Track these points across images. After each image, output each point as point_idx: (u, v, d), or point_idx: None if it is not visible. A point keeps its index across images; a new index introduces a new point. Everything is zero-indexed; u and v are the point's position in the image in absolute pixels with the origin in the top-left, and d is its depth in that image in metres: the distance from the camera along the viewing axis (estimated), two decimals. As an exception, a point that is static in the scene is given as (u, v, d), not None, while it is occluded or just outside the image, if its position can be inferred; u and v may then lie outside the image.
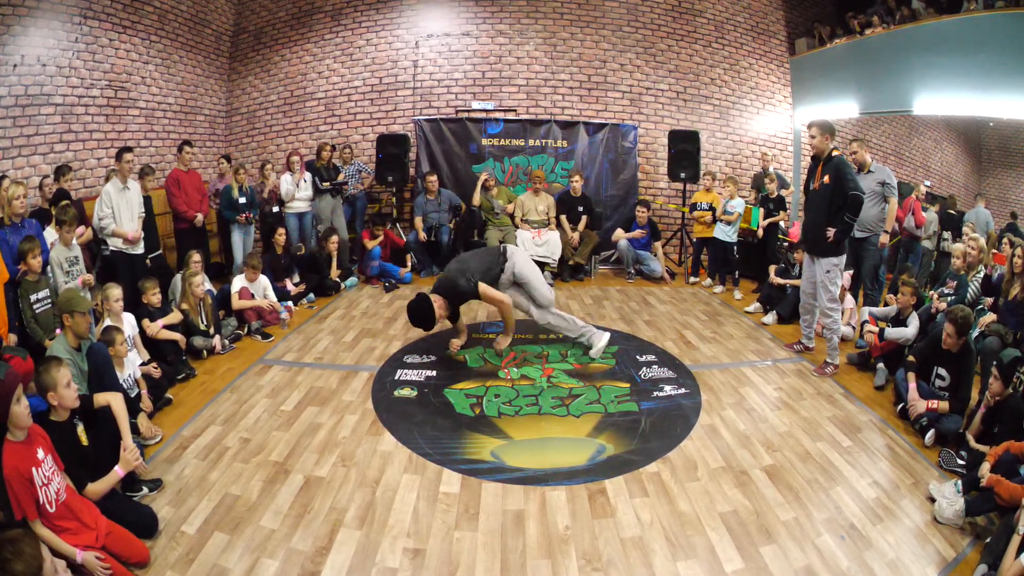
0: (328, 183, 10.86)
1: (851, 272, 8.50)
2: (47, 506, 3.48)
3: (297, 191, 10.51)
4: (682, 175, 12.04)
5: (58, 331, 5.35)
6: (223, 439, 5.32)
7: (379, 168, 11.81)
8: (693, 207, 11.19)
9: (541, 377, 6.69)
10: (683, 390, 6.47)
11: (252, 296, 8.27)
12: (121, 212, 7.92)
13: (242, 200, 9.81)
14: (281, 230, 9.72)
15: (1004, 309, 6.77)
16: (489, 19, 13.18)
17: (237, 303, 8.10)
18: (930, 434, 5.46)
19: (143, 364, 6.08)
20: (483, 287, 6.71)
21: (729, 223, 10.49)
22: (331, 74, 13.41)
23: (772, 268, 9.73)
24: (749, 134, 14.35)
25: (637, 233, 11.44)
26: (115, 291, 6.08)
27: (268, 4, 13.52)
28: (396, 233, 11.67)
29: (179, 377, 6.52)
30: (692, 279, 11.42)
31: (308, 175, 10.72)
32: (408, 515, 4.30)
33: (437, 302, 6.61)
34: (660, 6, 13.58)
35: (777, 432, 5.65)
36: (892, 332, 6.87)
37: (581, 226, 11.35)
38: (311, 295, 9.67)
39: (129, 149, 8.10)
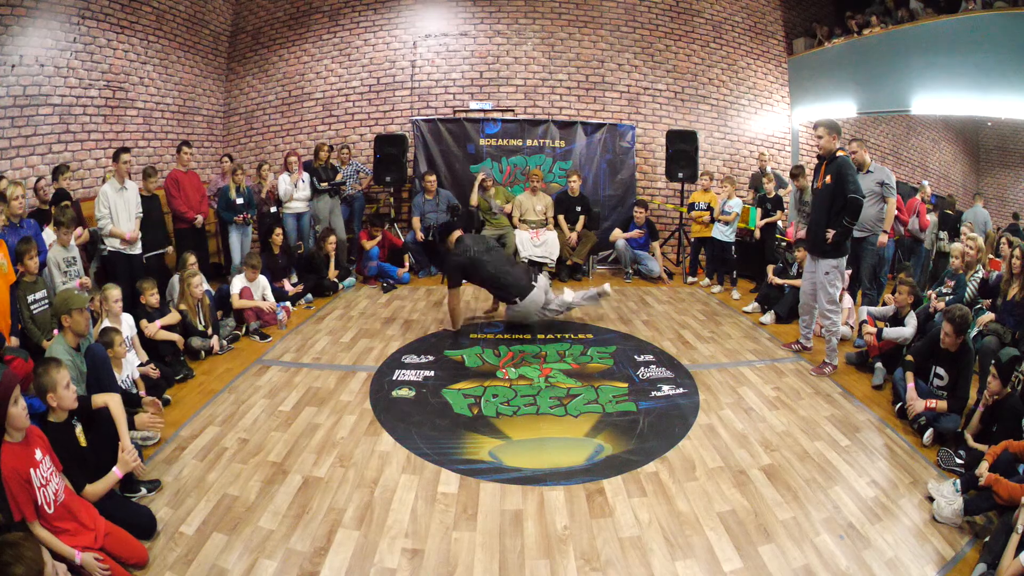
0: (326, 183, 10.85)
1: (849, 272, 8.51)
2: (46, 507, 3.48)
3: (295, 191, 10.50)
4: (680, 175, 12.08)
5: (56, 332, 5.35)
6: (221, 440, 5.31)
7: (377, 168, 11.80)
8: (691, 207, 11.20)
9: (539, 377, 6.68)
10: (681, 390, 6.47)
11: (252, 294, 8.26)
12: (119, 212, 7.93)
13: (240, 201, 9.80)
14: (278, 230, 9.71)
15: (1003, 309, 6.77)
16: (487, 19, 13.19)
17: (238, 302, 8.09)
18: (928, 433, 5.46)
19: (141, 365, 6.08)
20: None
21: (727, 223, 10.50)
22: (329, 74, 13.41)
23: (770, 268, 9.74)
24: (747, 134, 14.36)
25: (635, 233, 11.44)
26: (114, 292, 6.06)
27: (266, 4, 13.52)
28: (394, 233, 11.68)
29: (177, 378, 6.52)
30: (690, 279, 11.43)
31: (306, 175, 10.71)
32: (406, 515, 4.29)
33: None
34: (658, 6, 13.60)
35: (775, 432, 5.64)
36: (890, 332, 6.87)
37: (579, 226, 11.35)
38: (309, 295, 9.66)
39: (127, 150, 8.11)
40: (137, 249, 8.21)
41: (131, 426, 4.52)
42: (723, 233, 10.58)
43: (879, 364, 6.87)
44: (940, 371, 5.82)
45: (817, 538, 4.11)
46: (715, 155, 14.03)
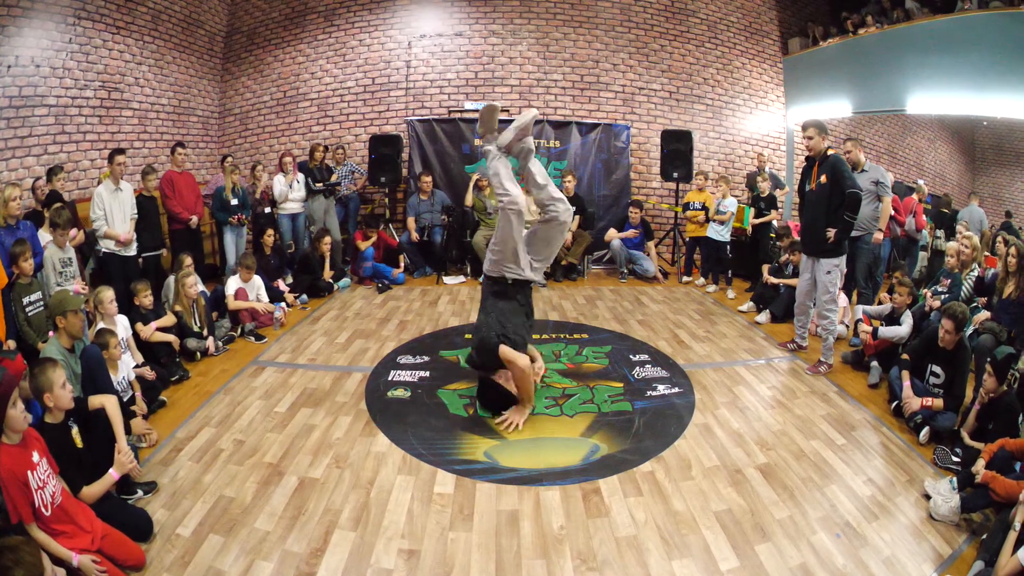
0: (321, 184, 10.84)
1: (845, 271, 8.52)
2: (43, 509, 3.47)
3: (290, 192, 10.48)
4: (675, 175, 12.06)
5: (51, 333, 5.33)
6: (217, 441, 5.30)
7: (372, 169, 11.77)
8: (686, 207, 11.22)
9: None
10: (676, 389, 6.48)
11: (247, 295, 8.25)
12: (113, 214, 7.92)
13: (234, 202, 9.77)
14: (270, 231, 9.73)
15: (998, 307, 6.80)
16: (482, 19, 13.18)
17: (233, 303, 8.08)
18: (924, 431, 5.47)
19: (137, 366, 6.06)
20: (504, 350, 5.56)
21: (722, 223, 10.51)
22: (324, 75, 13.39)
23: (765, 268, 9.75)
24: (742, 134, 14.36)
25: (630, 233, 11.45)
26: (108, 293, 6.04)
27: (261, 5, 13.50)
28: (389, 234, 11.66)
29: (173, 379, 6.50)
30: (685, 278, 11.45)
31: (301, 176, 10.69)
32: (402, 516, 4.29)
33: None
34: (653, 6, 13.59)
35: (771, 431, 5.65)
36: (886, 331, 6.88)
37: (574, 226, 11.31)
38: (304, 296, 9.65)
39: (121, 151, 8.10)
40: (132, 251, 8.19)
41: (127, 429, 4.53)
42: (718, 233, 10.58)
43: (875, 363, 6.88)
44: (936, 369, 5.83)
45: (814, 537, 4.12)
46: (710, 155, 14.03)
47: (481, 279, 6.31)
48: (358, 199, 12.38)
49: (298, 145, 13.08)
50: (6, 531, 3.32)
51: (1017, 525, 3.63)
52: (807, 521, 4.29)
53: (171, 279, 7.81)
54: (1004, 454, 4.42)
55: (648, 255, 11.52)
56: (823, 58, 13.64)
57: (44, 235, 6.92)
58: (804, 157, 7.31)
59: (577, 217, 11.37)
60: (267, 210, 10.44)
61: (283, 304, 8.84)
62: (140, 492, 4.45)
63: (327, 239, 10.26)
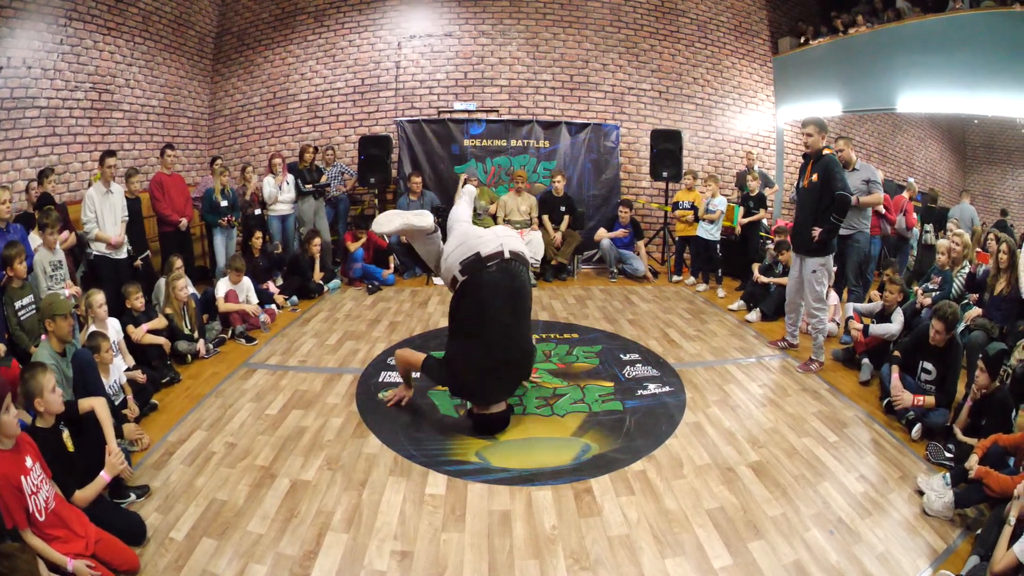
0: (310, 185, 10.81)
1: (835, 269, 8.54)
2: (37, 515, 3.45)
3: (279, 193, 10.44)
4: (664, 174, 12.07)
5: (43, 337, 5.32)
6: (209, 444, 5.27)
7: (361, 170, 11.72)
8: (675, 206, 11.23)
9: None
10: (667, 388, 6.47)
11: (237, 297, 8.24)
12: (104, 216, 7.89)
13: (224, 203, 9.74)
14: (258, 233, 9.71)
15: (990, 304, 6.84)
16: (471, 20, 13.17)
17: (223, 306, 8.05)
18: (917, 428, 5.48)
19: (128, 370, 6.04)
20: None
21: (711, 222, 10.52)
22: (314, 75, 13.36)
23: (756, 266, 9.77)
24: (731, 133, 14.38)
25: (619, 232, 11.45)
26: (98, 297, 6.01)
27: (251, 5, 13.45)
28: (379, 235, 11.63)
29: (164, 381, 6.46)
30: (675, 278, 11.44)
31: (290, 177, 10.65)
32: (395, 517, 4.27)
33: None
34: (643, 6, 13.60)
35: (763, 428, 5.65)
36: (877, 328, 6.90)
37: (563, 226, 11.34)
38: (294, 297, 9.62)
39: (112, 153, 8.07)
40: (123, 253, 8.17)
41: (119, 434, 4.52)
42: (708, 232, 10.59)
43: (866, 360, 6.89)
44: (927, 366, 5.84)
45: (807, 534, 4.12)
46: (699, 154, 14.04)
47: None
48: (348, 200, 12.36)
49: (288, 146, 13.04)
50: (1, 537, 3.30)
51: (1012, 520, 3.65)
52: (800, 518, 4.29)
53: (161, 281, 7.78)
54: (997, 449, 4.43)
55: (638, 254, 11.53)
56: (813, 57, 13.67)
57: (34, 238, 6.88)
58: (802, 155, 7.32)
59: (567, 217, 11.39)
60: (257, 212, 10.40)
61: (272, 306, 8.82)
62: (133, 496, 4.43)
63: (317, 240, 10.22)
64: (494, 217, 11.26)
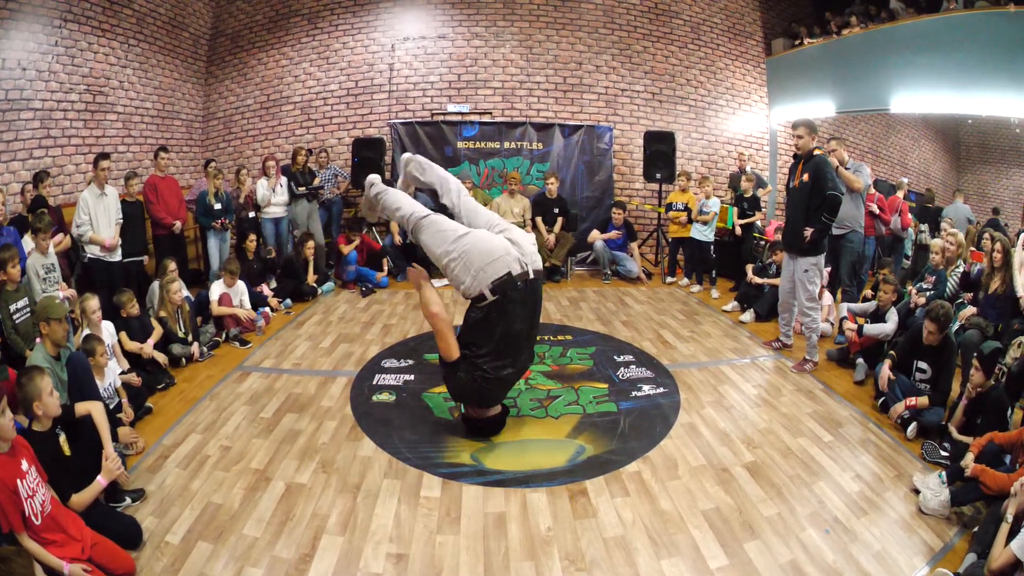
0: (304, 188, 10.78)
1: (829, 269, 8.56)
2: (33, 518, 3.44)
3: (273, 196, 10.41)
4: (657, 176, 12.08)
5: (37, 340, 5.31)
6: (204, 447, 5.25)
7: (355, 172, 11.74)
8: (668, 207, 11.22)
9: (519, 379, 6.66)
10: (661, 389, 6.48)
11: (231, 300, 8.22)
12: (98, 219, 7.88)
13: (217, 206, 9.72)
14: (252, 236, 9.69)
15: (984, 302, 6.86)
16: (465, 22, 13.16)
17: (217, 309, 8.03)
18: (912, 427, 5.50)
19: (123, 373, 6.03)
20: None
21: (705, 223, 10.52)
22: (307, 78, 13.34)
23: (749, 267, 9.78)
24: (725, 134, 14.41)
25: (613, 234, 11.45)
26: (92, 303, 5.96)
27: (245, 7, 13.41)
28: (372, 237, 11.61)
29: (159, 386, 6.44)
30: (669, 279, 11.46)
31: (284, 180, 10.62)
32: (390, 520, 4.27)
33: None
34: (636, 8, 13.62)
35: (757, 429, 5.66)
36: (871, 328, 6.92)
37: (557, 228, 11.35)
38: (288, 300, 9.60)
39: (106, 156, 8.06)
40: (117, 256, 8.16)
41: (114, 436, 4.51)
42: (702, 233, 10.58)
43: (860, 360, 6.91)
44: (922, 365, 5.87)
45: (803, 533, 4.12)
46: (693, 155, 14.06)
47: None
48: (341, 203, 12.31)
49: (281, 149, 13.01)
50: None
51: (1009, 517, 3.66)
52: (796, 518, 4.30)
53: (155, 285, 7.76)
54: (993, 447, 4.45)
55: (631, 256, 11.52)
56: (806, 58, 13.68)
57: (28, 241, 6.87)
58: (792, 155, 7.34)
59: (560, 219, 11.39)
60: (251, 214, 10.39)
61: (266, 309, 8.80)
62: (128, 500, 4.42)
63: (311, 243, 10.20)
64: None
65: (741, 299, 9.51)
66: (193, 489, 4.62)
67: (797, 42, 14.23)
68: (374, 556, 3.90)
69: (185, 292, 7.67)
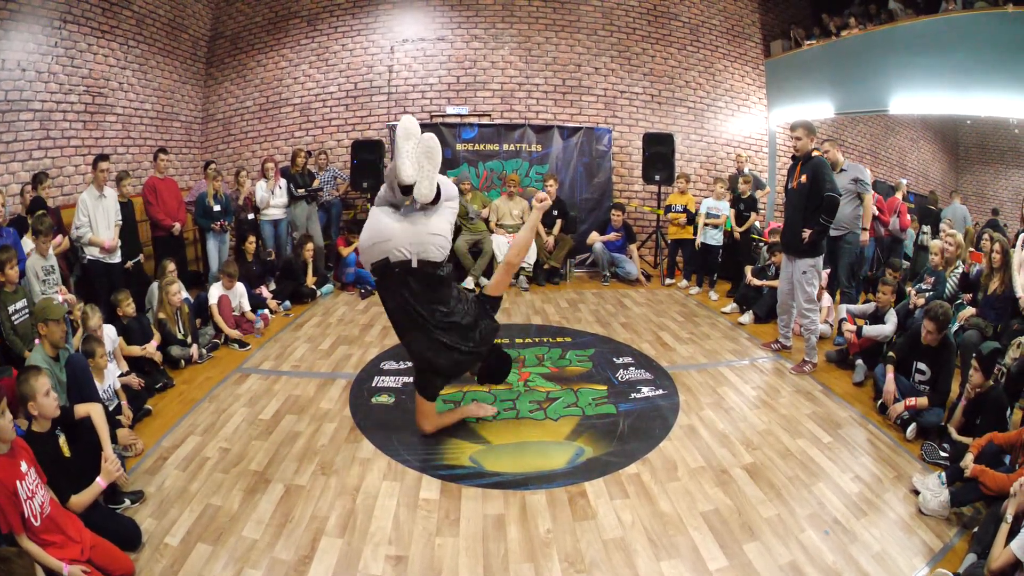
0: (303, 189, 10.78)
1: (828, 271, 8.56)
2: (32, 520, 3.44)
3: (272, 198, 10.41)
4: (656, 177, 12.05)
5: (36, 341, 5.30)
6: (203, 449, 5.25)
7: (354, 174, 11.72)
8: (667, 209, 11.22)
9: (518, 381, 6.65)
10: (661, 391, 6.47)
11: (230, 302, 8.23)
12: (98, 221, 7.87)
13: (216, 208, 9.72)
14: (251, 238, 9.67)
15: (983, 303, 6.87)
16: (464, 24, 13.17)
17: (217, 318, 8.01)
18: (911, 428, 5.50)
19: (122, 375, 6.03)
20: None
21: (716, 226, 10.50)
22: (307, 80, 13.35)
23: (748, 269, 9.77)
24: (724, 136, 14.43)
25: (611, 236, 11.45)
26: (95, 320, 5.90)
27: (245, 9, 13.42)
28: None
29: (157, 386, 6.44)
30: (668, 281, 11.46)
31: (283, 182, 10.62)
32: (389, 522, 4.27)
33: None
34: (635, 10, 13.63)
35: (756, 430, 5.66)
36: (870, 329, 6.92)
37: (556, 230, 11.33)
38: (287, 302, 9.60)
39: (105, 157, 8.06)
40: (116, 258, 8.16)
41: (113, 438, 4.51)
42: (713, 237, 10.54)
43: (860, 361, 6.91)
44: (922, 366, 5.87)
45: (802, 534, 4.12)
46: (692, 157, 14.08)
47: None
48: (340, 205, 12.32)
49: (281, 151, 13.01)
50: None
51: (1009, 517, 3.66)
52: (795, 519, 4.30)
53: (154, 286, 7.75)
54: (993, 448, 4.46)
55: (630, 258, 11.52)
56: (805, 60, 13.69)
57: (27, 242, 6.86)
58: (791, 156, 7.35)
59: (559, 221, 11.38)
60: (250, 216, 10.39)
61: (265, 311, 8.80)
62: (127, 502, 4.41)
63: (310, 245, 10.20)
64: (486, 221, 11.25)
65: (740, 301, 9.51)
66: (192, 491, 4.62)
67: (795, 42, 14.23)
68: (373, 558, 3.90)
69: (184, 294, 7.66)
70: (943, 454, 5.10)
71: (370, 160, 11.56)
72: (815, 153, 6.89)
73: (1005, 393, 5.20)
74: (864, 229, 8.39)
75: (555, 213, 11.38)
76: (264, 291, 9.40)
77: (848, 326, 7.17)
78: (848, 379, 6.89)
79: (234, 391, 6.51)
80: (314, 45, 13.30)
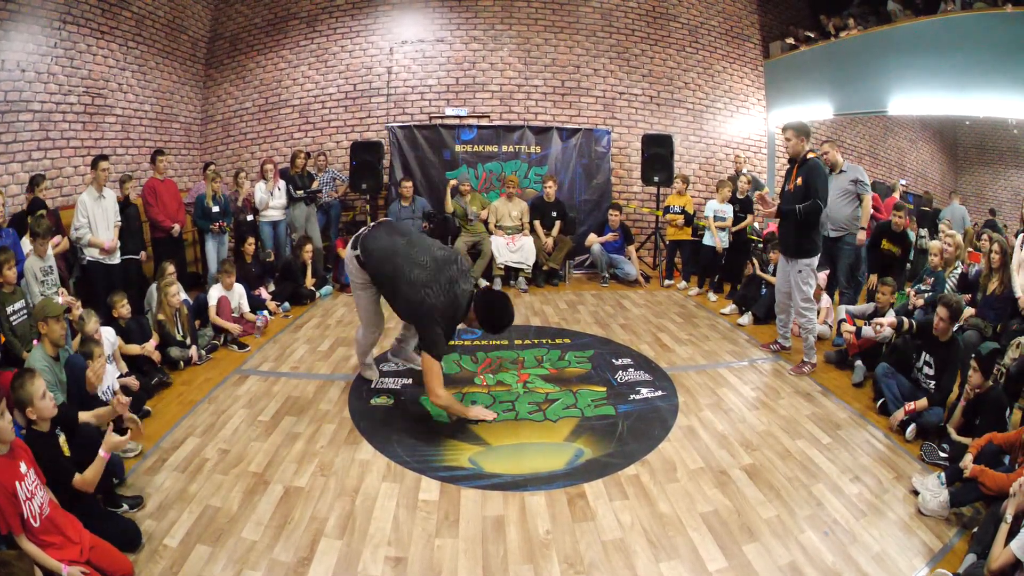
0: (302, 191, 10.78)
1: (827, 272, 8.57)
2: (31, 520, 3.43)
3: (271, 199, 10.41)
4: (655, 179, 12.06)
5: (35, 342, 5.30)
6: (202, 451, 5.24)
7: (353, 175, 11.73)
8: (666, 210, 11.22)
9: (517, 383, 6.65)
10: (660, 392, 6.47)
11: (230, 304, 8.23)
12: (97, 222, 7.85)
13: (216, 209, 9.71)
14: (250, 239, 9.67)
15: (983, 303, 6.88)
16: (463, 25, 13.16)
17: (215, 319, 8.02)
18: (911, 428, 5.50)
19: (122, 376, 6.03)
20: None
21: (722, 229, 10.50)
22: (306, 81, 13.34)
23: (749, 266, 9.77)
24: (723, 137, 14.42)
25: (610, 237, 11.45)
26: (92, 324, 5.88)
27: (244, 10, 13.41)
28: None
29: (153, 382, 6.45)
30: (667, 282, 11.46)
31: (282, 183, 10.61)
32: (388, 523, 4.26)
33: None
34: (634, 11, 13.63)
35: (756, 431, 5.65)
36: (869, 330, 6.92)
37: (555, 231, 11.33)
38: (286, 304, 9.60)
39: (105, 157, 8.03)
40: (116, 259, 8.16)
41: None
42: (723, 239, 10.56)
43: (859, 362, 6.90)
44: (928, 359, 5.85)
45: (802, 535, 4.12)
46: (691, 159, 14.07)
47: None
48: (339, 206, 12.32)
49: (280, 152, 13.01)
50: None
51: (1009, 517, 3.66)
52: (794, 520, 4.30)
53: (153, 287, 7.75)
54: (992, 448, 4.46)
55: (629, 259, 11.52)
56: (804, 61, 13.68)
57: (26, 243, 6.87)
58: (788, 159, 7.35)
59: (558, 222, 11.38)
60: (249, 218, 10.38)
61: (264, 312, 8.79)
62: (126, 506, 4.40)
63: (309, 247, 10.21)
64: (485, 223, 11.25)
65: (739, 302, 9.51)
66: (191, 492, 4.61)
67: (794, 44, 14.23)
68: (372, 559, 3.89)
69: (183, 295, 7.66)
70: (942, 454, 5.10)
71: (369, 161, 11.57)
72: (811, 155, 6.88)
73: (1004, 393, 5.20)
74: (862, 228, 8.38)
75: (554, 214, 11.39)
76: (263, 292, 9.38)
77: (847, 327, 7.17)
78: (847, 380, 6.89)
79: (233, 392, 6.51)
80: (313, 46, 13.29)
